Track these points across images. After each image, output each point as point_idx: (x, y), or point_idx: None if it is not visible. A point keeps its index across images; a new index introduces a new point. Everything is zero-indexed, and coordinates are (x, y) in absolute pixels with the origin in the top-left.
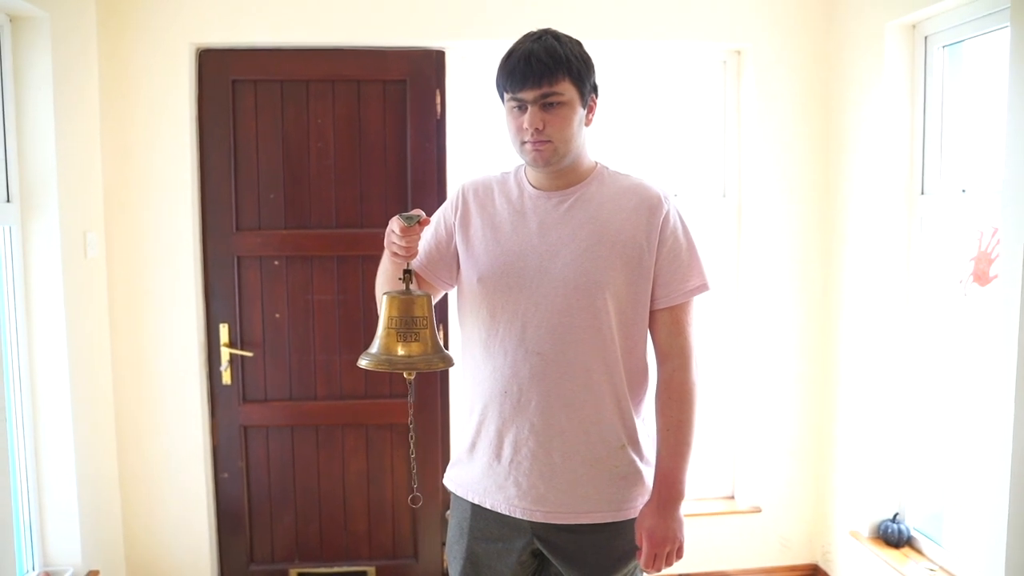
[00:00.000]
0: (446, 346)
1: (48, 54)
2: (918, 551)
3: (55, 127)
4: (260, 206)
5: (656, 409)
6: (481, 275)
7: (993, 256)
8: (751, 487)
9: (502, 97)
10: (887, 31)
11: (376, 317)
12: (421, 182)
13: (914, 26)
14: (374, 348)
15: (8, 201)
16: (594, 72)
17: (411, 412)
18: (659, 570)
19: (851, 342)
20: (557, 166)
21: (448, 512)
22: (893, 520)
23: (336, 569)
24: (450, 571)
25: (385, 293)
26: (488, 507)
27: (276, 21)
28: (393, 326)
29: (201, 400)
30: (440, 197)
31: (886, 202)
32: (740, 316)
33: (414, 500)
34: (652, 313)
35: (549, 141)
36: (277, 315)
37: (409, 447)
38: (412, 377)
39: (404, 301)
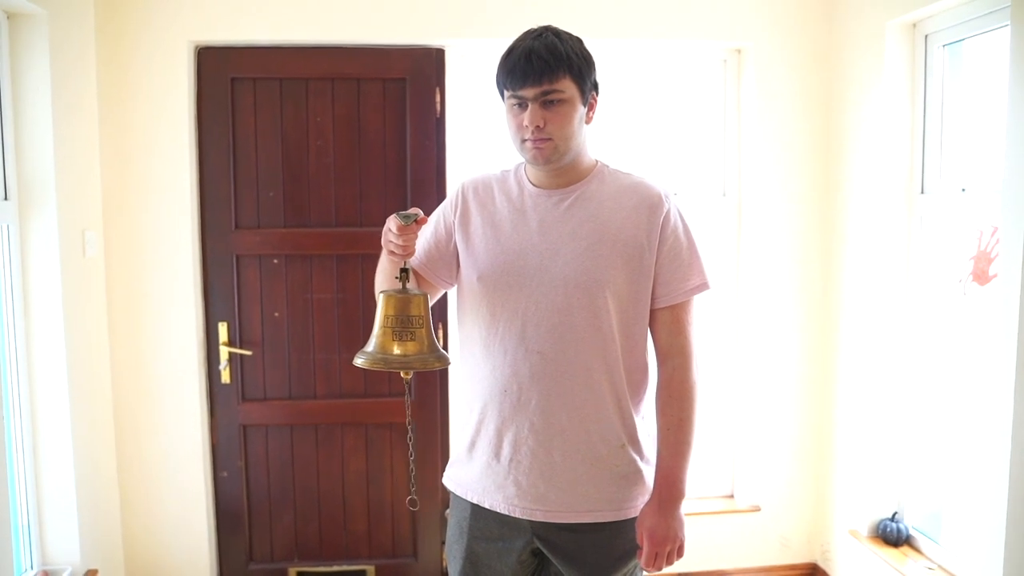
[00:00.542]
0: (445, 346)
1: (46, 52)
2: (917, 550)
3: (53, 124)
4: (259, 204)
5: (656, 408)
6: (481, 274)
7: (993, 255)
8: (751, 486)
9: (502, 95)
10: (887, 30)
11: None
12: (421, 181)
13: (914, 25)
14: (370, 347)
15: (6, 199)
16: (595, 70)
17: (409, 412)
18: (660, 569)
19: (850, 341)
20: (557, 164)
21: (447, 511)
22: (892, 519)
23: (335, 568)
24: (449, 571)
25: (382, 292)
26: (487, 507)
27: (275, 19)
28: (389, 325)
29: (200, 399)
30: (440, 196)
31: (886, 201)
32: (740, 315)
33: (412, 504)
34: (652, 312)
35: (549, 139)
36: (276, 314)
37: (408, 447)
38: (409, 376)
39: (400, 300)
